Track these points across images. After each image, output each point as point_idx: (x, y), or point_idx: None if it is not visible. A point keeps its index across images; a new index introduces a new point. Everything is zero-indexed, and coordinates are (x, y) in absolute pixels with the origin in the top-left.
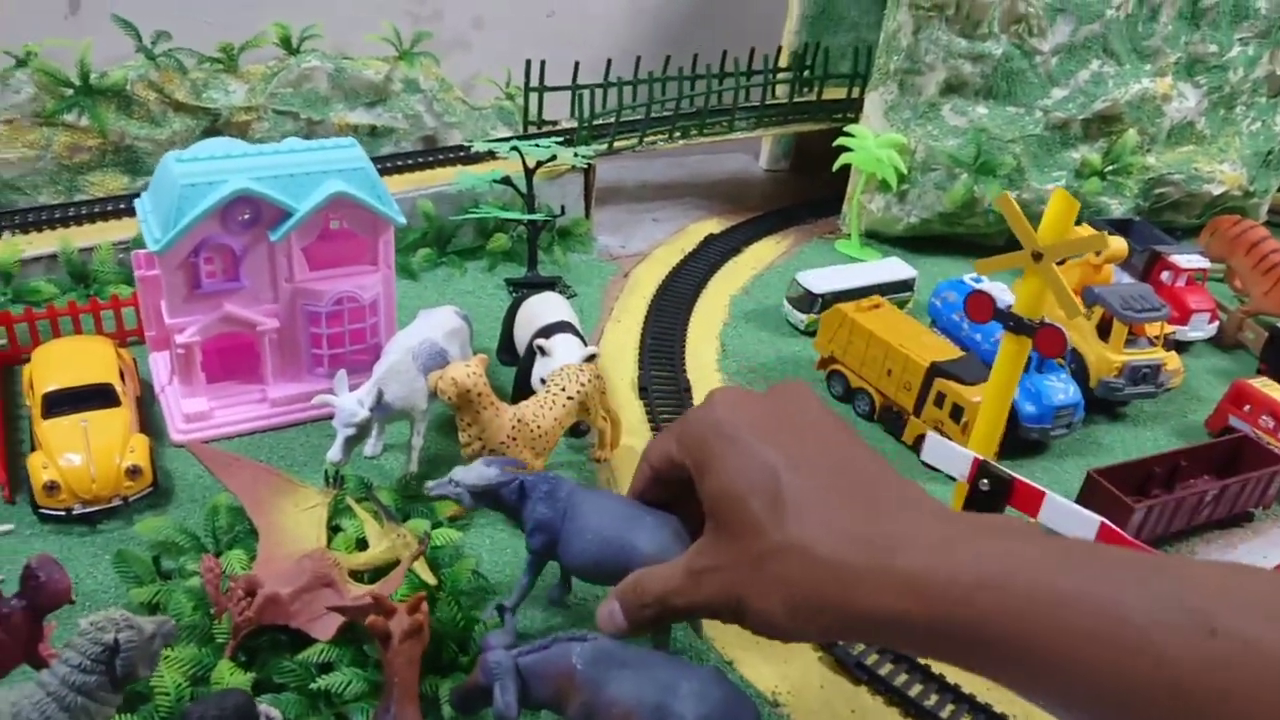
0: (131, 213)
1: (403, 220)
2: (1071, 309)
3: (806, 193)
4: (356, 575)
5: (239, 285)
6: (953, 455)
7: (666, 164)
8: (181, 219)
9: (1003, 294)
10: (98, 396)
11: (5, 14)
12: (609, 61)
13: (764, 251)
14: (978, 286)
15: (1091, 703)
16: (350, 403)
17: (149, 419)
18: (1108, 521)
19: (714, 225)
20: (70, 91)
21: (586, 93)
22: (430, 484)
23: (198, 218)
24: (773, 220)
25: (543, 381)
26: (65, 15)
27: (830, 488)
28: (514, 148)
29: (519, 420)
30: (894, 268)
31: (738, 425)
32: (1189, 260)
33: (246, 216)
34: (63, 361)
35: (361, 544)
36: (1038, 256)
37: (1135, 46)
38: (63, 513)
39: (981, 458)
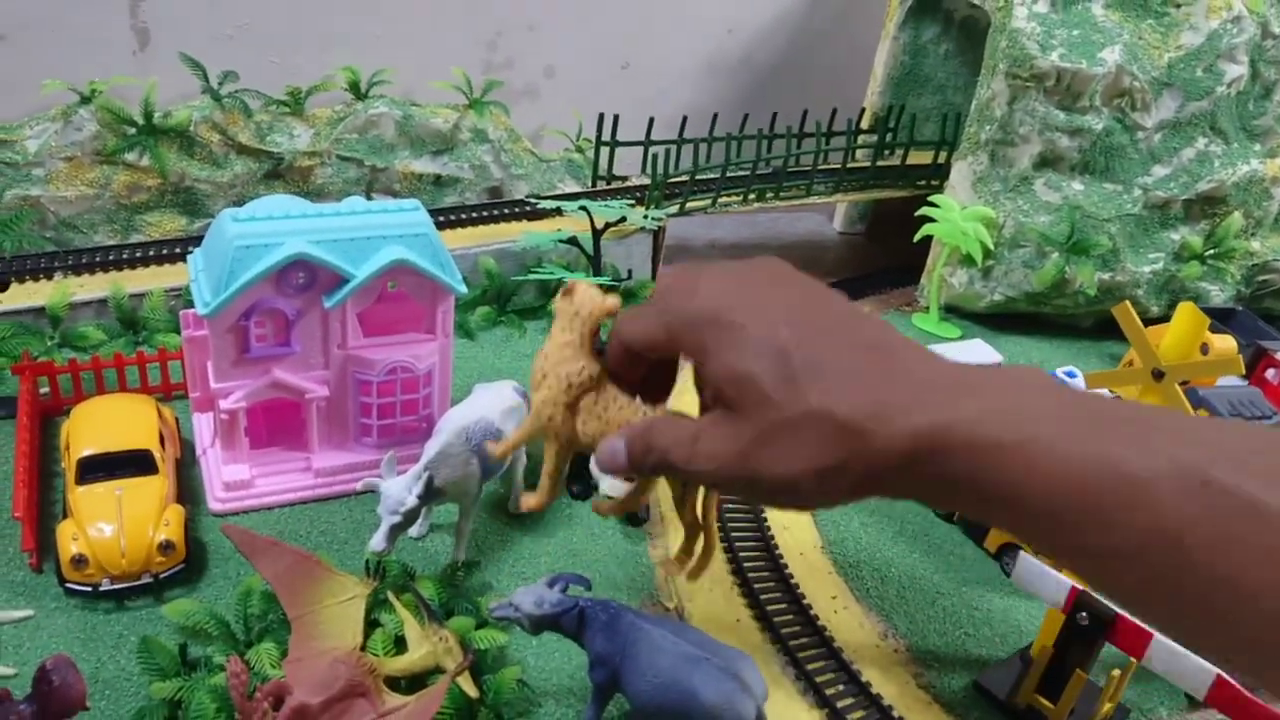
0: (185, 258)
1: (464, 290)
2: None
3: (883, 259)
4: (393, 682)
5: (290, 350)
6: (1047, 580)
7: (736, 223)
8: (234, 282)
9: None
10: (135, 463)
11: (72, 49)
12: (684, 119)
13: None
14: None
15: (1089, 555)
16: (398, 489)
17: (187, 483)
18: (1226, 675)
19: None
20: (133, 130)
21: (660, 150)
22: (492, 606)
23: (250, 281)
24: (848, 288)
25: None
26: (134, 51)
27: (839, 351)
28: (582, 207)
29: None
30: (979, 350)
31: (734, 309)
32: None
33: (302, 280)
34: (101, 423)
35: (400, 643)
36: (1158, 375)
37: (1245, 125)
38: (89, 588)
39: (1080, 588)
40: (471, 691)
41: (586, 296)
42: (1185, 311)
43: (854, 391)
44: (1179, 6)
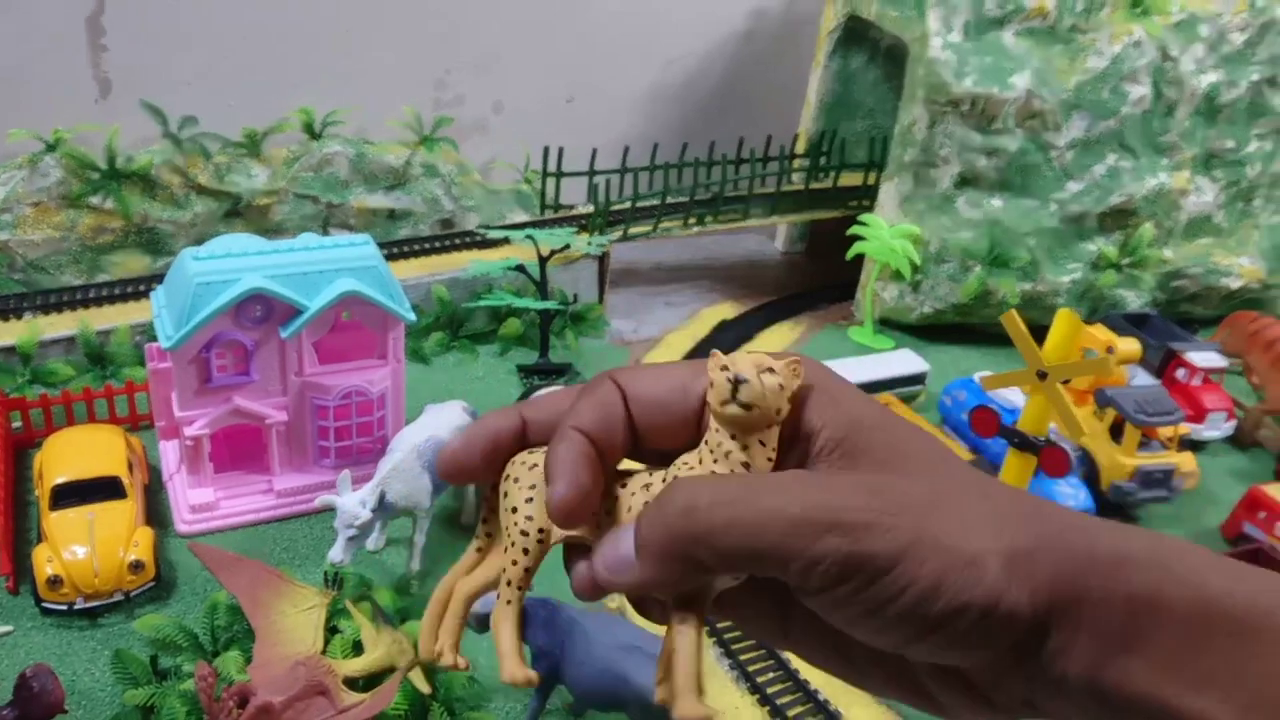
0: (149, 295)
1: (413, 318)
2: (1075, 430)
3: (822, 277)
4: (351, 682)
5: (249, 379)
6: None
7: (681, 246)
8: (195, 316)
9: (1013, 394)
10: (105, 489)
11: (38, 99)
12: (626, 149)
13: (777, 338)
14: (981, 403)
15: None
16: (352, 504)
17: (155, 507)
18: None
19: (728, 310)
20: (97, 175)
21: (602, 180)
22: None
23: (210, 315)
24: (787, 305)
25: None
26: (96, 99)
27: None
28: (528, 236)
29: None
30: (906, 360)
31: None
32: (1205, 359)
33: (259, 313)
34: (72, 452)
35: (358, 647)
36: (1042, 375)
37: (1152, 142)
38: (64, 607)
39: None
40: (424, 688)
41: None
42: (1063, 318)
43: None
44: (1084, 33)
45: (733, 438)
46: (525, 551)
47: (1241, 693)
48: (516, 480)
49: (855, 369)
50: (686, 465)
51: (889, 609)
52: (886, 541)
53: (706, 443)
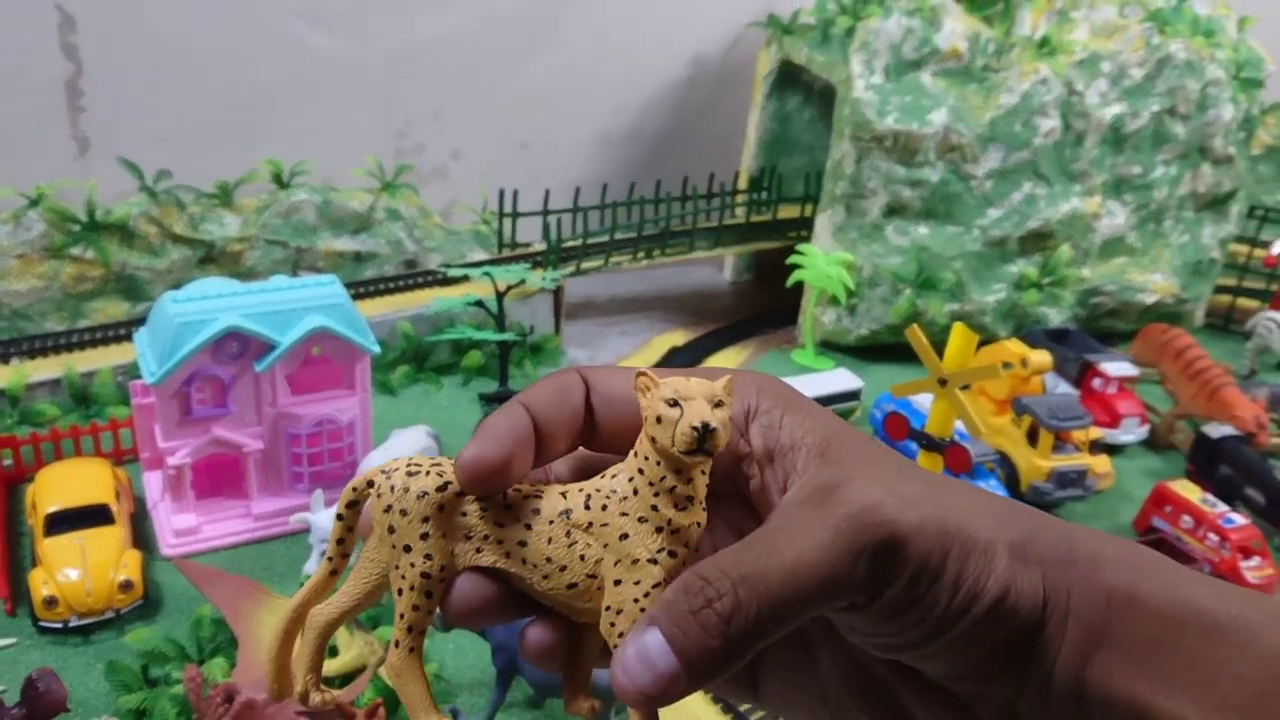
0: (129, 339)
1: (377, 350)
2: (975, 430)
3: (768, 304)
4: (327, 680)
5: (227, 411)
6: None
7: (635, 279)
8: (176, 354)
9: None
10: (94, 516)
11: (19, 157)
12: (577, 189)
13: (724, 361)
14: (894, 410)
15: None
16: (325, 520)
17: (142, 533)
18: None
19: (678, 337)
20: (77, 227)
21: (554, 219)
22: None
23: (190, 352)
24: (735, 331)
25: None
26: (75, 156)
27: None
28: (486, 273)
29: None
30: (842, 378)
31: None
32: (1118, 368)
33: (235, 349)
34: (63, 483)
35: (333, 651)
36: (943, 382)
37: (1064, 169)
38: (60, 625)
39: None
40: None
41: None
42: (958, 331)
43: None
44: (996, 72)
45: (677, 472)
46: (428, 595)
47: (1211, 694)
48: (404, 513)
49: (798, 386)
50: (617, 495)
51: (922, 624)
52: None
53: (643, 472)
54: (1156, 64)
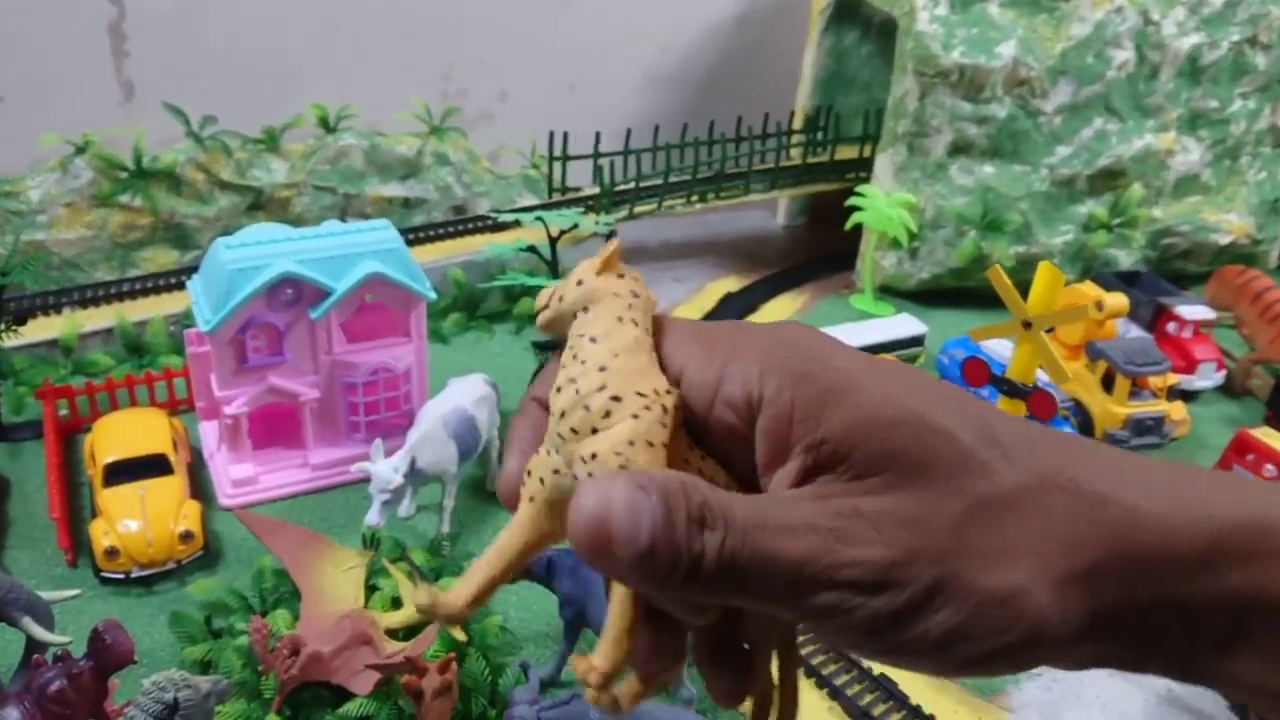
0: (181, 287)
1: (433, 296)
2: (1059, 375)
3: (823, 248)
4: (392, 633)
5: (283, 359)
6: None
7: (687, 224)
8: (230, 301)
9: (1008, 350)
10: (154, 466)
11: (65, 104)
12: (629, 131)
13: (781, 308)
14: (972, 355)
15: None
16: (386, 470)
17: (199, 484)
18: None
19: (733, 283)
20: (125, 175)
21: (607, 162)
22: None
23: (245, 299)
24: (790, 276)
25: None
26: (119, 102)
27: (1025, 427)
28: (538, 218)
29: None
30: (905, 324)
31: (857, 354)
32: (1193, 311)
33: (290, 296)
34: (121, 433)
35: (396, 603)
36: (1027, 325)
37: (1137, 104)
38: (122, 576)
39: None
40: (460, 636)
41: (632, 280)
42: (1044, 271)
43: (1078, 457)
44: (1067, 1)
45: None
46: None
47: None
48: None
49: (858, 333)
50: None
51: (916, 655)
52: (905, 595)
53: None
54: None
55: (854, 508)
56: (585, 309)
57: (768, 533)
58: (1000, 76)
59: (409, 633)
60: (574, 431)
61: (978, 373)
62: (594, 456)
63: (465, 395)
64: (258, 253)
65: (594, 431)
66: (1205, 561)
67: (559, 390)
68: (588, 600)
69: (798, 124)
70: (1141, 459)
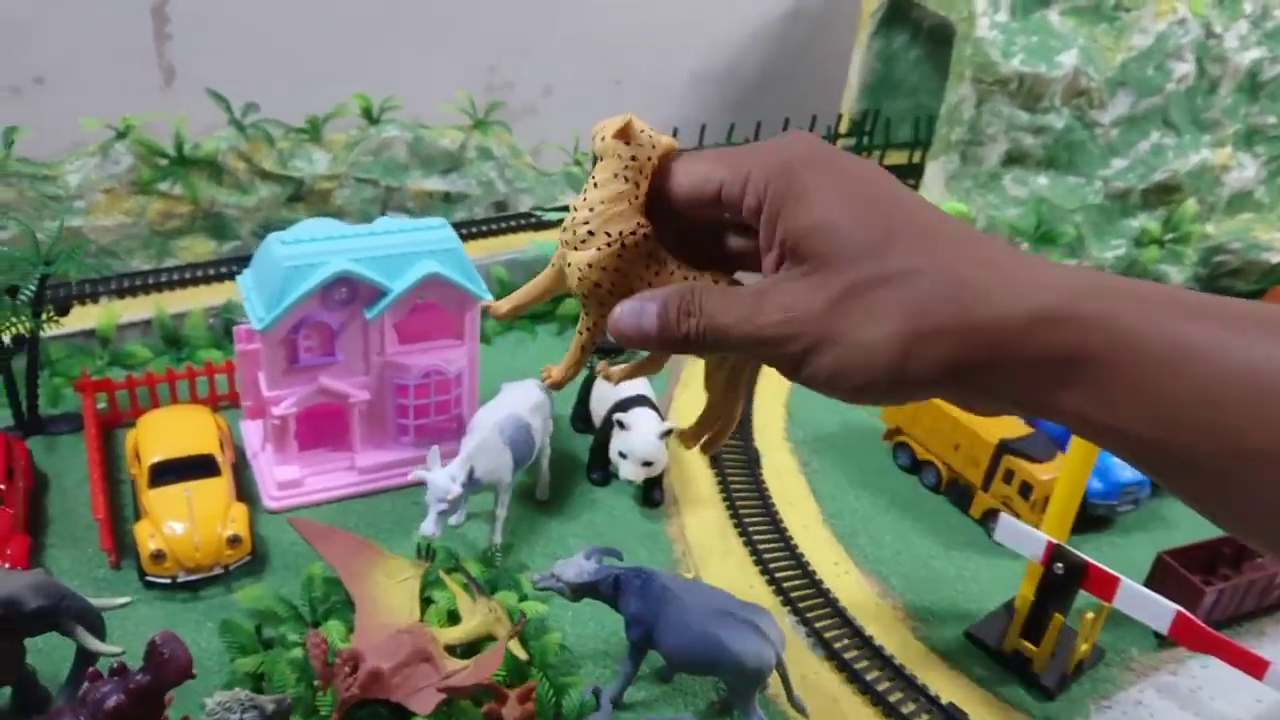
0: (220, 279)
1: (490, 298)
2: None
3: None
4: (449, 649)
5: (334, 359)
6: (1026, 537)
7: None
8: (285, 299)
9: None
10: (200, 467)
11: (103, 88)
12: (675, 130)
13: None
14: None
15: (1242, 459)
16: (444, 479)
17: (241, 485)
18: (1184, 611)
19: None
20: (165, 162)
21: None
22: (536, 577)
23: (301, 297)
24: None
25: (622, 455)
26: (160, 86)
27: (935, 221)
28: None
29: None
30: None
31: (818, 160)
32: None
33: (344, 295)
34: (167, 431)
35: (452, 617)
36: None
37: (1195, 118)
38: (168, 580)
39: (1056, 542)
40: (522, 654)
41: (646, 138)
42: None
43: (962, 253)
44: (1128, 11)
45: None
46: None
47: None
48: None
49: None
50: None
51: (817, 386)
52: (798, 345)
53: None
54: None
55: (767, 289)
56: (599, 158)
57: (719, 312)
58: (1060, 86)
59: (467, 649)
60: (565, 242)
61: None
62: (570, 264)
63: (521, 402)
64: (313, 249)
65: (575, 249)
66: (1030, 328)
67: (573, 208)
68: (657, 621)
69: (844, 128)
70: (1008, 251)
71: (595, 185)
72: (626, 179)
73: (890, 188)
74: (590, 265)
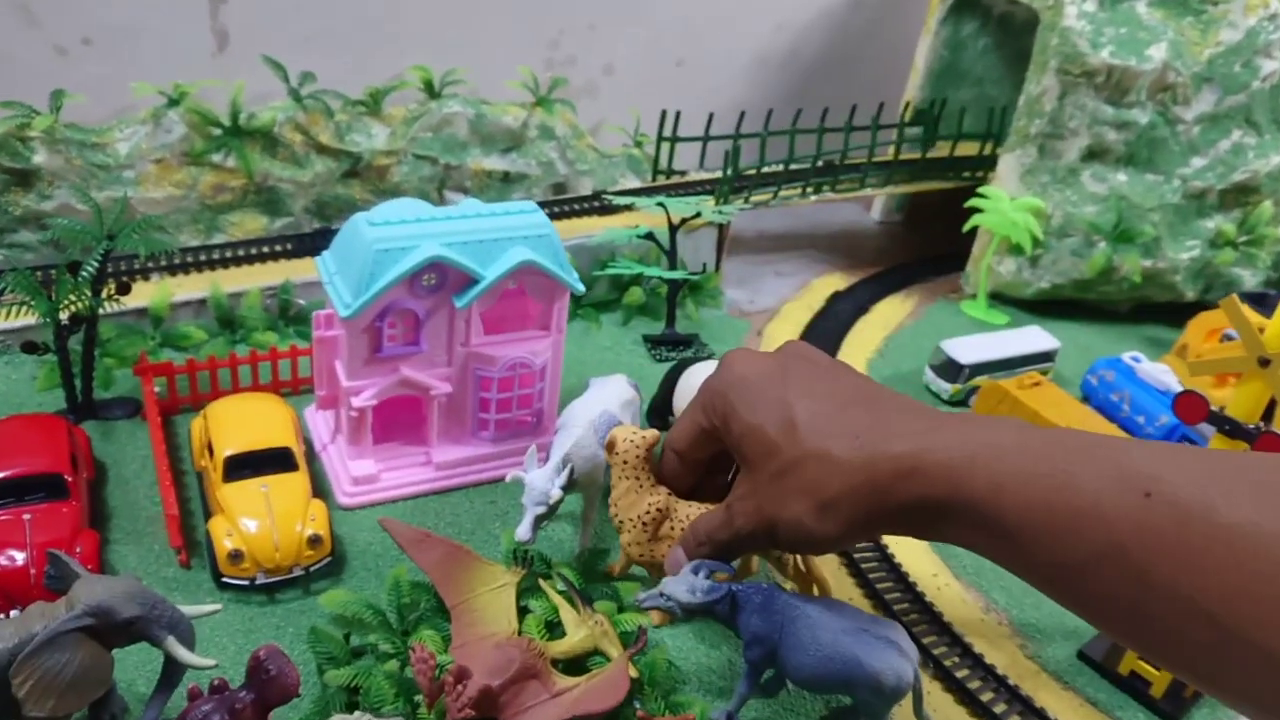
0: (275, 257)
1: (582, 289)
2: None
3: (923, 248)
4: (554, 663)
5: (418, 349)
6: None
7: (782, 214)
8: (374, 284)
9: (1165, 375)
10: (277, 461)
11: (153, 51)
12: (742, 114)
13: (891, 311)
14: (1189, 392)
15: (1051, 569)
16: (543, 481)
17: (313, 479)
18: None
19: (838, 281)
20: (219, 132)
21: (729, 145)
22: (641, 595)
23: (391, 283)
24: (894, 277)
25: None
26: (213, 52)
27: (837, 407)
28: (659, 203)
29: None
30: (1037, 338)
31: (751, 376)
32: None
33: (432, 281)
34: (241, 422)
35: (551, 627)
36: (1265, 362)
37: (1277, 118)
38: (246, 582)
39: None
40: (633, 672)
41: (626, 444)
42: None
43: (846, 434)
44: (1216, 4)
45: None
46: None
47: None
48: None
49: (989, 346)
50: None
51: (797, 551)
52: (765, 530)
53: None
54: None
55: (730, 500)
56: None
57: (716, 531)
58: (1148, 80)
59: (569, 664)
60: (615, 527)
61: (1195, 409)
62: (622, 543)
63: (612, 398)
64: (403, 232)
65: (619, 533)
66: (896, 485)
67: (611, 503)
68: (780, 639)
69: (908, 116)
70: (877, 419)
71: (613, 488)
72: (626, 476)
73: (812, 384)
74: (631, 544)
